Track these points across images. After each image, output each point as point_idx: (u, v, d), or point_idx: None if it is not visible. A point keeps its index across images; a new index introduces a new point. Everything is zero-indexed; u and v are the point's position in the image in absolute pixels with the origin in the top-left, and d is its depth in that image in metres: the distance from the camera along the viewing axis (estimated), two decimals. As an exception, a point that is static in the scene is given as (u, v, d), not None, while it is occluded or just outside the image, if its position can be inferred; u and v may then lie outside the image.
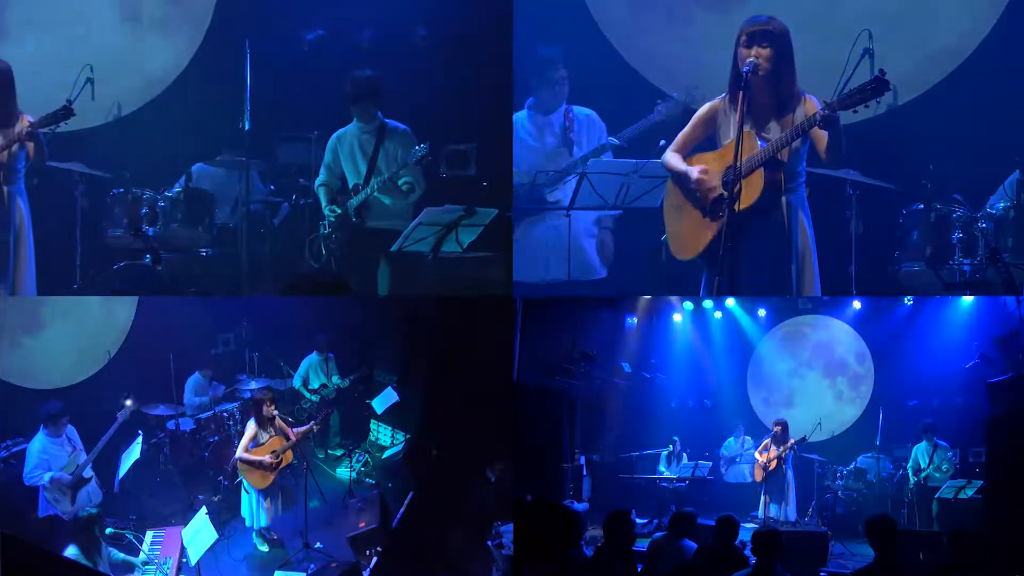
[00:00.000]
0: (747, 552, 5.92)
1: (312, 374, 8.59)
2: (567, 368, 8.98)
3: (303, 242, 7.02)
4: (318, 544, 6.79)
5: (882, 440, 9.32)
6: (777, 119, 5.29)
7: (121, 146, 7.28)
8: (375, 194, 6.76)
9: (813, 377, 10.50)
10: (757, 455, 9.16)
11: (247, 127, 6.87)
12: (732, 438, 9.94)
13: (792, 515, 9.01)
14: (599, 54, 7.71)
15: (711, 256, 5.24)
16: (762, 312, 10.51)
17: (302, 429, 7.25)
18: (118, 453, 7.22)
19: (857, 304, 9.78)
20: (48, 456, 6.71)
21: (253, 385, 8.26)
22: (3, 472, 6.93)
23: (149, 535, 6.46)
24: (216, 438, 7.79)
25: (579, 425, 9.48)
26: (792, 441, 9.00)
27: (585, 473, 9.18)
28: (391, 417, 8.24)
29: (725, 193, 5.11)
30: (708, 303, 10.14)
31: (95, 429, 7.00)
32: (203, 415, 7.93)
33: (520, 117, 7.25)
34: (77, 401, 7.14)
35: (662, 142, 6.16)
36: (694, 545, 6.06)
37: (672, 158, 5.52)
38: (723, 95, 5.41)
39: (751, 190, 5.14)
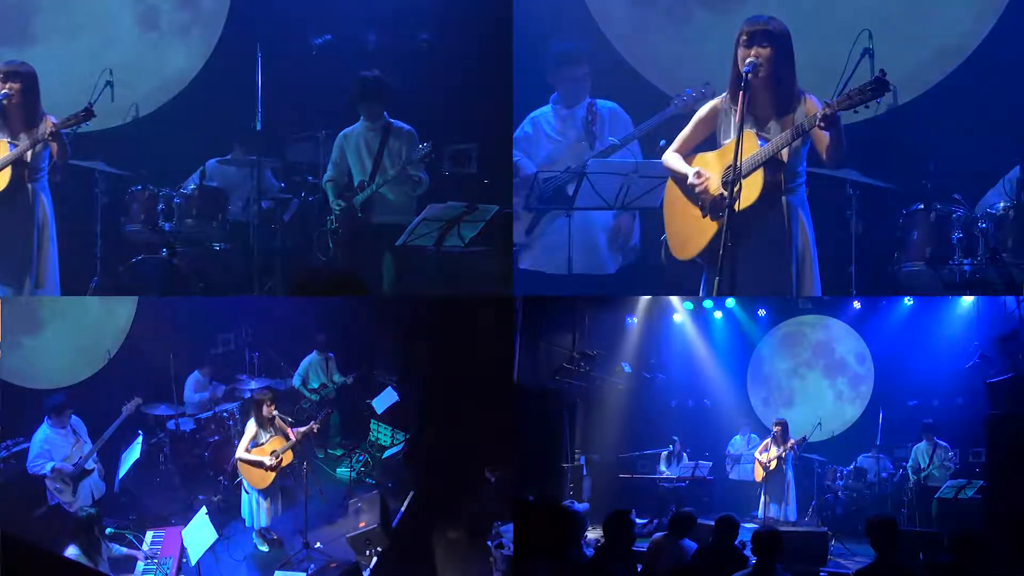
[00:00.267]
0: (747, 552, 5.92)
1: (312, 374, 8.60)
2: (567, 368, 8.99)
3: (311, 236, 7.26)
4: (318, 544, 6.79)
5: (882, 440, 9.32)
6: (777, 119, 5.28)
7: (139, 145, 7.56)
8: (380, 190, 6.98)
9: (813, 377, 10.51)
10: (757, 455, 9.17)
11: (258, 127, 7.16)
12: (739, 436, 9.94)
13: (792, 515, 9.02)
14: (598, 53, 7.71)
15: (711, 256, 5.23)
16: (762, 312, 10.52)
17: (302, 429, 7.25)
18: (118, 453, 7.23)
19: (857, 304, 9.78)
20: (51, 446, 6.76)
21: (253, 385, 8.27)
22: (3, 472, 6.93)
23: (149, 535, 6.47)
24: (216, 438, 7.80)
25: (579, 425, 9.49)
26: (792, 441, 9.01)
27: (585, 473, 9.18)
28: (391, 417, 8.24)
29: (725, 193, 5.10)
30: (708, 303, 10.15)
31: (95, 429, 7.02)
32: (203, 415, 7.94)
33: (544, 112, 7.32)
34: (77, 401, 7.14)
35: (662, 142, 6.16)
36: (694, 545, 6.06)
37: (672, 158, 5.51)
38: (723, 95, 5.41)
39: (751, 190, 5.13)
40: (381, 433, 8.30)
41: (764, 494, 8.95)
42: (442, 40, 7.58)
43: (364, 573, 6.26)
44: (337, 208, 7.14)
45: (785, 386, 10.56)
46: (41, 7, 7.77)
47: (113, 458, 7.19)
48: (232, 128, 7.55)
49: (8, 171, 6.10)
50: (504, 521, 6.19)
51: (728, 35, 5.33)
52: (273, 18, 7.61)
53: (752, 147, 5.14)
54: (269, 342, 8.82)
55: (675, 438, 9.85)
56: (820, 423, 9.47)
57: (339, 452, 8.32)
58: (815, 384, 10.47)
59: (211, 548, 6.19)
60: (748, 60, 5.13)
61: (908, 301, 9.19)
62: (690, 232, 5.41)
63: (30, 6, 7.75)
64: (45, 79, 6.34)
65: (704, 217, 5.32)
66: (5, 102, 6.11)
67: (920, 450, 8.85)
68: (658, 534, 6.50)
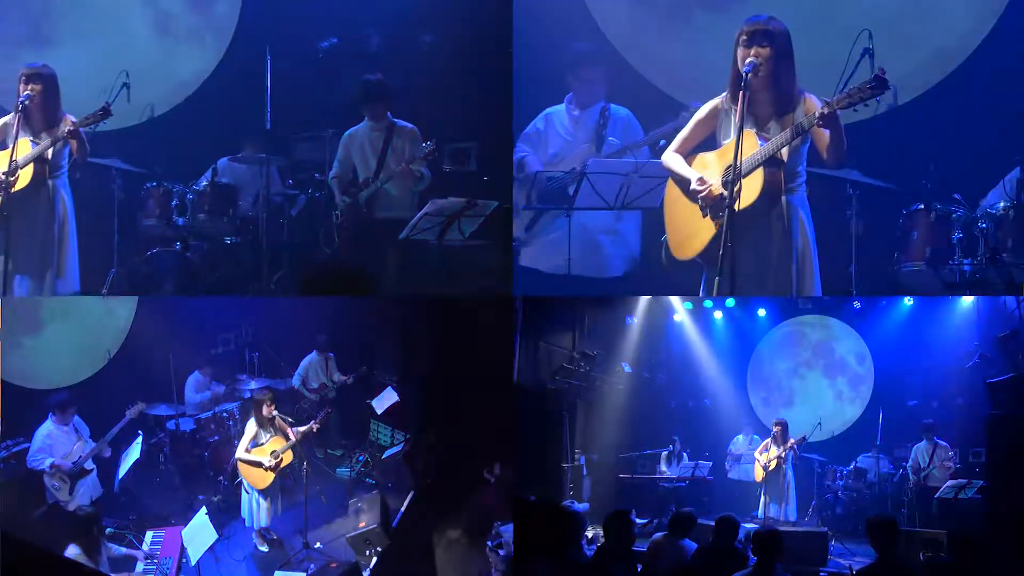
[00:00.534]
0: (747, 552, 5.92)
1: (312, 374, 8.59)
2: (567, 368, 8.99)
3: (318, 230, 7.53)
4: (318, 544, 6.79)
5: (882, 440, 9.32)
6: (777, 119, 5.27)
7: (154, 144, 7.84)
8: (384, 187, 7.19)
9: (813, 377, 10.51)
10: (757, 455, 9.17)
11: (267, 126, 7.53)
12: (741, 435, 9.94)
13: (792, 515, 9.02)
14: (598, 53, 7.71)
15: (711, 256, 5.23)
16: (762, 312, 10.52)
17: (302, 429, 7.25)
18: (118, 453, 7.23)
19: (857, 304, 9.78)
20: (52, 442, 6.77)
21: (253, 385, 8.27)
22: (3, 471, 6.93)
23: (149, 535, 6.47)
24: (216, 438, 7.80)
25: (579, 425, 9.48)
26: (792, 441, 9.01)
27: (585, 473, 9.18)
28: (391, 417, 8.24)
29: (725, 193, 5.10)
30: (708, 303, 10.14)
31: (95, 429, 7.02)
32: (203, 415, 7.94)
33: (558, 110, 7.35)
34: (77, 401, 7.14)
35: (662, 142, 6.16)
36: (694, 545, 6.06)
37: (672, 158, 5.51)
38: (723, 95, 5.40)
39: (751, 190, 5.12)
40: (381, 433, 8.30)
41: (764, 494, 8.95)
42: (443, 42, 7.78)
43: (364, 573, 6.26)
44: (342, 204, 7.36)
45: (785, 386, 10.56)
46: (61, 13, 8.07)
47: (113, 458, 7.19)
48: (242, 128, 7.85)
49: (31, 168, 6.31)
50: (504, 521, 6.19)
51: (728, 35, 5.33)
52: (281, 23, 7.89)
53: (752, 147, 5.13)
54: (269, 342, 8.82)
55: (675, 438, 9.85)
56: (820, 423, 9.47)
57: (339, 452, 8.32)
58: (815, 384, 10.47)
59: (211, 548, 6.19)
60: (748, 60, 5.13)
61: (908, 301, 9.19)
62: (690, 232, 5.40)
63: (51, 11, 8.06)
64: (65, 80, 6.56)
65: (704, 217, 5.31)
66: (27, 102, 6.31)
67: (920, 450, 8.85)
68: (658, 534, 6.50)
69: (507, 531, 6.11)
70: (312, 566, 6.53)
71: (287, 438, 7.07)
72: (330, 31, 7.99)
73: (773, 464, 8.95)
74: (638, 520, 8.11)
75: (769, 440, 9.17)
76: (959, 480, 8.20)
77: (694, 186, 5.31)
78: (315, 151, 7.88)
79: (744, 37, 5.20)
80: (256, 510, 6.93)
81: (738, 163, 5.00)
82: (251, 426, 7.07)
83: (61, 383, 7.57)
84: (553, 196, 6.96)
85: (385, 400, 8.25)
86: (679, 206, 5.48)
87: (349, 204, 7.32)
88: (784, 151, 5.17)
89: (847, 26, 5.95)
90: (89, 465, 6.79)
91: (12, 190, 6.22)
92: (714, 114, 5.43)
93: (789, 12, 5.75)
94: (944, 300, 8.68)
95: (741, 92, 5.08)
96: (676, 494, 9.22)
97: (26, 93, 6.33)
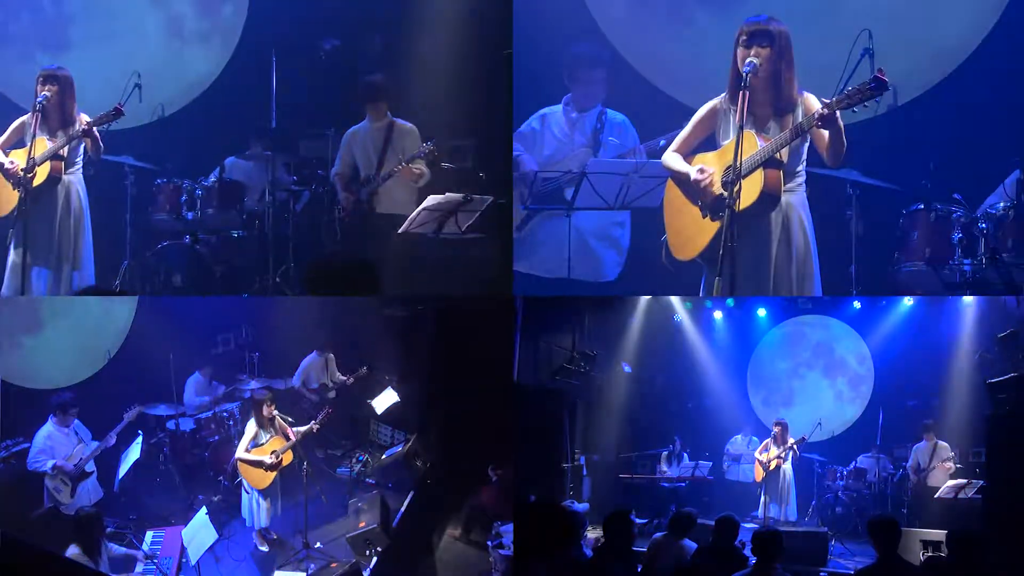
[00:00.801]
0: (747, 552, 5.92)
1: (312, 374, 8.59)
2: (567, 368, 8.98)
3: (321, 225, 7.83)
4: (318, 544, 6.79)
5: (882, 440, 9.32)
6: (777, 119, 5.28)
7: (164, 142, 8.17)
8: (384, 183, 7.42)
9: (813, 377, 10.50)
10: (757, 455, 9.17)
11: (272, 125, 7.91)
12: (740, 435, 9.94)
13: (792, 515, 9.02)
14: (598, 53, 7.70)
15: (711, 256, 5.23)
16: (762, 312, 10.51)
17: (302, 429, 7.25)
18: (118, 453, 7.22)
19: (857, 304, 9.78)
20: (53, 443, 6.76)
21: (253, 385, 8.26)
22: (3, 471, 6.93)
23: (149, 535, 6.47)
24: (216, 438, 7.80)
25: (579, 425, 9.48)
26: (792, 441, 9.01)
27: (585, 473, 9.18)
28: (391, 417, 8.24)
29: (725, 193, 5.10)
30: (708, 303, 10.14)
31: (95, 429, 7.01)
32: (203, 415, 7.93)
33: (555, 111, 7.36)
34: (77, 401, 7.13)
35: (662, 142, 6.16)
36: (694, 545, 6.06)
37: (672, 158, 5.51)
38: (723, 95, 5.40)
39: (751, 190, 5.12)
40: (381, 433, 8.29)
41: (764, 494, 8.95)
42: (442, 43, 7.90)
43: (364, 573, 6.26)
44: (345, 199, 7.60)
45: (785, 386, 10.55)
46: (76, 17, 8.40)
47: (112, 461, 7.18)
48: (249, 126, 8.14)
49: (47, 165, 6.61)
50: (504, 521, 6.19)
51: (728, 35, 5.33)
52: (286, 26, 8.19)
53: (752, 147, 5.13)
54: (269, 342, 8.81)
55: (675, 438, 9.85)
56: (820, 423, 9.46)
57: (339, 452, 8.32)
58: (815, 384, 10.46)
59: (211, 548, 6.19)
60: (748, 60, 5.13)
61: (908, 301, 9.19)
62: (690, 232, 5.40)
63: (67, 16, 8.40)
64: (80, 81, 6.86)
65: (704, 217, 5.32)
66: (44, 103, 6.62)
67: (920, 450, 8.85)
68: (658, 534, 6.50)
69: (507, 531, 6.12)
70: (312, 566, 6.54)
71: (287, 438, 7.07)
72: (333, 33, 8.30)
73: (773, 464, 8.95)
74: (638, 520, 8.10)
75: (769, 440, 9.17)
76: (959, 480, 8.20)
77: (695, 176, 5.31)
78: (318, 149, 8.14)
79: (744, 37, 5.21)
80: (256, 510, 6.93)
81: (738, 163, 5.01)
82: (251, 426, 7.07)
83: (61, 383, 7.57)
84: (549, 197, 6.99)
85: (385, 400, 8.25)
86: (679, 206, 5.48)
87: (351, 200, 7.56)
88: (784, 151, 5.17)
89: (847, 26, 5.95)
90: (90, 467, 6.78)
91: (31, 186, 6.49)
92: (714, 114, 5.44)
93: (789, 12, 5.76)
94: (944, 300, 8.67)
95: (741, 92, 5.08)
96: (676, 494, 9.22)
97: (43, 94, 6.63)
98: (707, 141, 5.48)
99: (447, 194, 6.79)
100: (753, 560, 5.49)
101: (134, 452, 7.21)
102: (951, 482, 8.24)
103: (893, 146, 7.05)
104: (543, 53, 7.41)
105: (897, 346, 9.73)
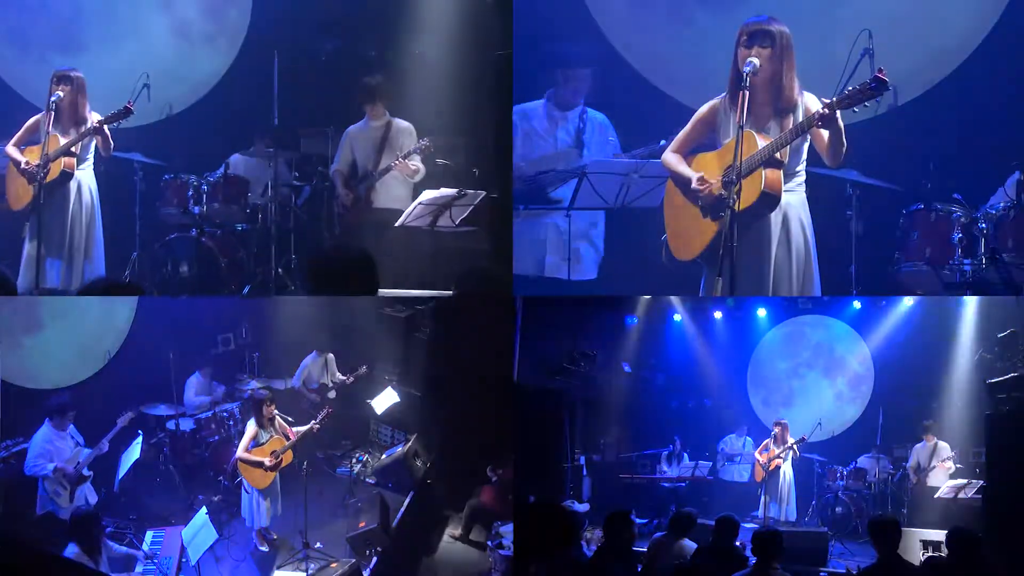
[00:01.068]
0: (747, 552, 5.92)
1: (312, 374, 8.58)
2: (567, 368, 8.98)
3: (321, 218, 8.28)
4: (318, 544, 6.78)
5: (882, 440, 9.32)
6: (777, 119, 5.28)
7: (172, 139, 8.56)
8: (382, 179, 7.80)
9: (813, 377, 10.50)
10: (757, 455, 9.16)
11: (275, 123, 8.24)
12: (733, 435, 9.93)
13: (792, 515, 9.01)
14: (598, 53, 7.71)
15: (711, 256, 5.24)
16: (762, 312, 10.51)
17: (302, 429, 7.24)
18: (118, 453, 7.21)
19: (857, 304, 9.77)
20: (52, 447, 6.73)
21: (253, 385, 8.26)
22: (2, 472, 6.91)
23: (149, 535, 6.46)
24: (216, 438, 7.79)
25: (579, 425, 9.48)
26: (792, 441, 9.00)
27: (585, 473, 9.17)
28: (391, 417, 8.23)
29: (725, 193, 5.10)
30: (708, 303, 10.13)
31: (95, 429, 7.00)
32: (203, 415, 7.92)
33: (535, 106, 7.33)
34: (77, 401, 7.12)
35: (662, 142, 6.16)
36: (694, 545, 6.06)
37: (672, 158, 5.51)
38: (723, 95, 5.40)
39: (751, 190, 5.12)
40: (381, 433, 8.29)
41: (764, 494, 8.95)
42: (439, 45, 8.22)
43: (364, 573, 6.25)
44: (344, 194, 7.95)
45: (785, 386, 10.55)
46: (89, 20, 8.81)
47: (109, 462, 7.16)
48: (252, 124, 8.55)
49: (60, 161, 6.99)
50: (504, 521, 6.19)
51: (728, 35, 5.33)
52: (288, 29, 8.55)
53: (752, 147, 5.13)
54: (269, 342, 8.81)
55: (675, 438, 9.84)
56: (820, 423, 9.46)
57: (339, 452, 8.31)
58: (815, 384, 10.45)
59: (211, 548, 6.17)
60: (748, 60, 5.13)
61: (908, 301, 9.19)
62: (690, 232, 5.40)
63: (80, 19, 8.81)
64: (91, 82, 7.25)
65: (704, 217, 5.32)
66: (58, 102, 6.98)
67: (920, 450, 8.85)
68: (658, 534, 6.50)
69: (507, 531, 6.11)
70: (312, 566, 6.52)
71: (287, 438, 7.06)
72: (333, 35, 8.71)
73: (773, 464, 8.95)
74: (638, 520, 8.10)
75: (769, 440, 9.16)
76: (959, 480, 8.20)
77: (694, 185, 5.31)
78: (319, 146, 8.47)
79: (744, 37, 5.21)
80: (256, 510, 6.92)
81: (738, 163, 5.00)
82: (251, 426, 7.06)
83: (61, 383, 7.56)
84: (533, 195, 7.04)
85: (385, 400, 8.25)
86: (679, 206, 5.48)
87: (350, 195, 7.92)
88: (784, 151, 5.17)
89: (847, 26, 5.96)
90: (86, 471, 6.76)
91: (45, 182, 6.87)
92: (714, 114, 5.44)
93: (789, 12, 5.77)
94: (944, 300, 8.67)
95: (741, 92, 5.08)
96: (676, 494, 9.22)
97: (57, 93, 7.00)
98: (707, 141, 5.48)
99: (442, 189, 7.15)
100: (753, 560, 5.49)
101: (134, 452, 7.20)
102: (951, 482, 8.24)
103: (893, 146, 7.05)
104: (543, 53, 7.41)
105: (897, 346, 9.72)
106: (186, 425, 7.78)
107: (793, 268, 5.32)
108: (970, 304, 8.72)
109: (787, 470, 9.05)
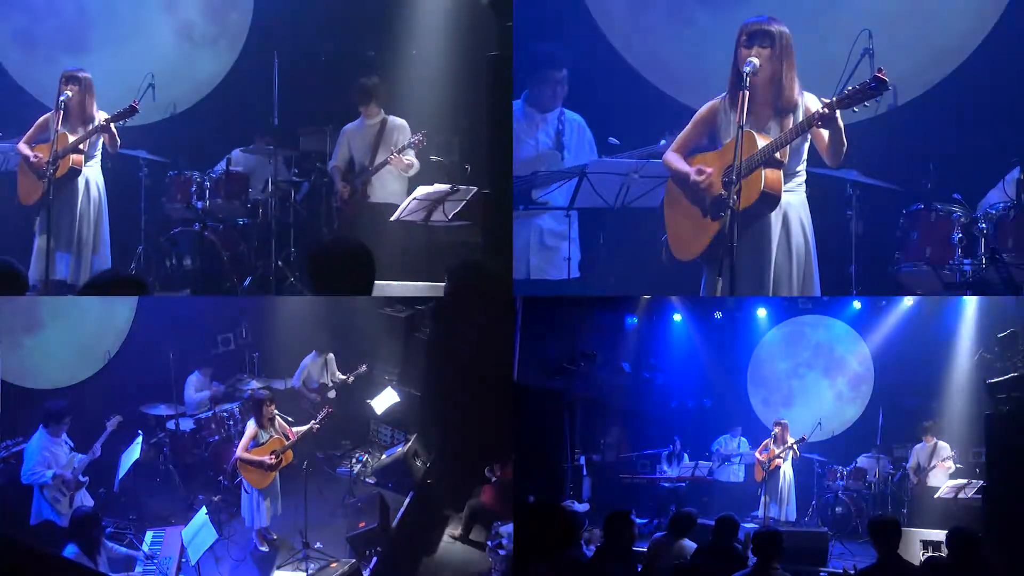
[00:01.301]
0: (747, 552, 5.92)
1: (312, 374, 8.58)
2: (567, 368, 8.98)
3: (320, 213, 8.55)
4: (318, 544, 6.78)
5: (882, 440, 9.32)
6: (777, 119, 5.27)
7: (176, 137, 8.86)
8: (377, 174, 8.07)
9: (813, 377, 10.50)
10: (757, 455, 9.16)
11: (275, 121, 8.50)
12: (727, 435, 9.93)
13: (792, 515, 9.01)
14: (598, 53, 7.71)
15: (711, 256, 5.23)
16: (762, 312, 10.51)
17: (302, 429, 7.24)
18: (117, 453, 7.21)
19: (857, 304, 9.77)
20: (49, 454, 6.71)
21: (253, 385, 8.26)
22: (2, 472, 6.90)
23: (149, 535, 6.45)
24: (216, 438, 7.79)
25: (579, 425, 9.48)
26: (792, 441, 9.00)
27: (585, 473, 9.17)
28: (391, 417, 8.23)
29: (725, 193, 5.10)
30: (708, 303, 10.13)
31: (95, 430, 6.98)
32: (203, 415, 7.92)
33: (514, 107, 7.31)
34: (77, 401, 7.11)
35: (662, 142, 6.16)
36: (694, 545, 6.06)
37: (672, 158, 5.51)
38: (722, 95, 5.40)
39: (751, 190, 5.12)
40: (381, 433, 8.29)
41: (764, 494, 8.95)
42: (434, 46, 8.50)
43: (364, 573, 6.25)
44: (341, 190, 8.24)
45: (785, 386, 10.55)
46: (96, 22, 9.13)
47: (106, 463, 7.15)
48: (253, 123, 8.81)
49: (69, 158, 7.26)
50: (504, 521, 6.19)
51: (728, 35, 5.33)
52: (288, 31, 8.86)
53: (752, 147, 5.13)
54: (269, 342, 8.81)
55: (675, 438, 9.84)
56: (820, 423, 9.46)
57: (339, 452, 8.31)
58: (815, 384, 10.46)
59: (211, 548, 6.17)
60: (748, 60, 5.13)
61: (908, 301, 9.19)
62: (691, 232, 5.40)
63: (87, 21, 9.13)
64: (98, 82, 7.51)
65: (704, 217, 5.32)
66: (67, 101, 7.26)
67: (920, 450, 8.85)
68: (658, 534, 6.50)
69: (507, 531, 6.11)
70: (312, 566, 6.52)
71: (287, 438, 7.06)
72: (330, 38, 8.96)
73: (774, 464, 8.95)
74: (638, 520, 8.10)
75: (769, 440, 9.16)
76: (959, 480, 8.20)
77: (694, 178, 5.30)
78: (317, 143, 8.69)
79: (744, 37, 5.20)
80: (256, 510, 6.92)
81: (738, 163, 5.00)
82: (251, 426, 7.05)
83: (61, 383, 7.56)
84: (519, 198, 7.07)
85: (385, 400, 8.25)
86: (679, 206, 5.48)
87: (347, 190, 8.19)
88: (784, 151, 5.17)
89: (847, 26, 5.96)
90: (82, 477, 6.74)
91: (54, 178, 7.13)
92: (714, 114, 5.43)
93: (789, 12, 5.77)
94: (944, 300, 8.68)
95: (741, 92, 5.07)
96: (676, 494, 9.22)
97: (65, 93, 7.27)
98: (707, 141, 5.47)
99: (435, 185, 7.45)
100: (753, 560, 5.48)
101: (134, 452, 7.19)
102: (951, 482, 8.24)
103: (893, 146, 7.05)
104: (543, 53, 7.41)
105: (897, 346, 9.73)
106: (186, 425, 7.78)
107: (793, 268, 5.32)
108: (970, 304, 8.72)
109: (787, 470, 9.05)
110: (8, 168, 7.95)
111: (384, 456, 7.98)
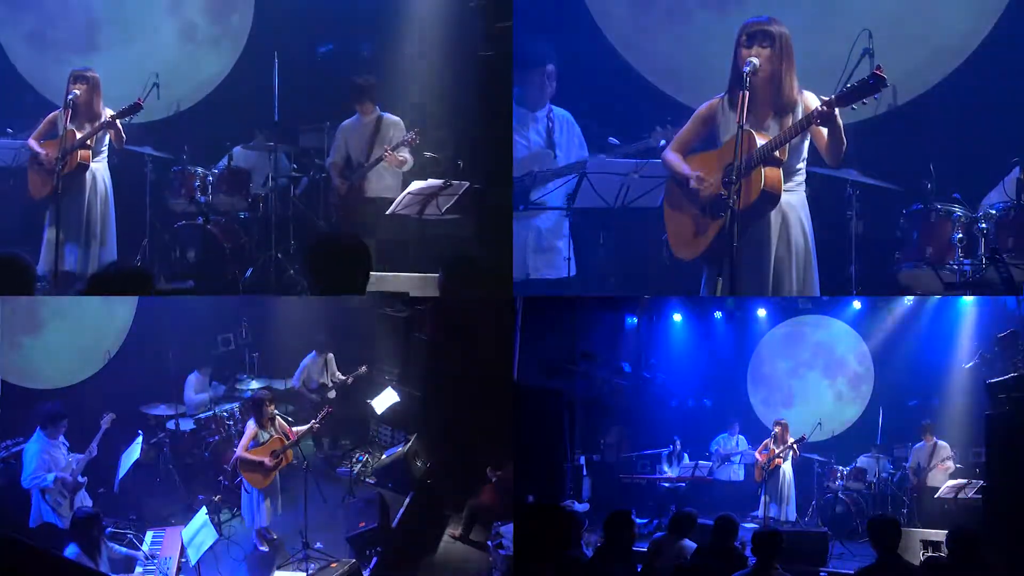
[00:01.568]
0: (747, 552, 5.92)
1: (312, 374, 8.58)
2: (567, 368, 8.98)
3: (318, 207, 8.76)
4: (318, 544, 6.78)
5: (882, 440, 9.32)
6: (777, 118, 5.27)
7: (180, 134, 9.06)
8: (373, 170, 8.28)
9: (813, 377, 10.50)
10: (757, 455, 9.16)
11: (275, 119, 8.56)
12: (725, 434, 9.93)
13: (792, 515, 9.00)
14: (598, 53, 7.71)
15: (711, 256, 5.23)
16: (762, 312, 10.51)
17: (302, 429, 7.24)
18: (117, 454, 7.20)
19: (857, 304, 9.77)
20: (49, 457, 6.69)
21: (253, 385, 8.27)
22: (2, 473, 6.90)
23: (149, 535, 6.44)
24: (216, 438, 7.78)
25: (579, 425, 9.48)
26: (792, 441, 9.00)
27: (585, 473, 9.17)
28: (391, 417, 8.23)
29: (725, 192, 5.10)
30: (708, 303, 10.13)
31: (95, 430, 6.97)
32: (203, 415, 7.92)
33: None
34: (76, 402, 7.11)
35: (662, 142, 6.16)
36: (694, 545, 6.05)
37: (672, 158, 5.51)
38: (722, 94, 5.40)
39: (751, 189, 5.12)
40: (381, 433, 8.28)
41: (764, 494, 8.94)
42: (430, 45, 8.72)
43: (364, 573, 6.25)
44: (339, 185, 8.43)
45: (785, 386, 10.55)
46: (102, 23, 9.38)
47: (105, 463, 7.14)
48: (254, 120, 8.96)
49: (77, 154, 7.51)
50: (504, 521, 6.18)
51: (728, 35, 5.33)
52: (287, 32, 9.03)
53: (752, 146, 5.13)
54: (269, 342, 8.82)
55: (675, 438, 9.84)
56: (820, 423, 9.46)
57: (339, 452, 8.31)
58: (815, 384, 10.46)
59: (211, 548, 6.17)
60: (748, 59, 5.13)
61: (908, 301, 9.18)
62: (691, 232, 5.40)
63: (95, 22, 9.37)
64: (105, 80, 7.77)
65: (704, 217, 5.32)
66: (74, 99, 7.49)
67: (920, 450, 8.85)
68: (658, 534, 6.50)
69: (507, 531, 6.11)
70: (312, 566, 6.52)
71: (287, 438, 7.06)
72: (328, 38, 9.29)
73: (774, 464, 8.94)
74: (638, 520, 8.10)
75: (769, 440, 9.16)
76: (959, 480, 8.20)
77: (692, 185, 5.31)
78: (316, 140, 8.93)
79: (744, 37, 5.21)
80: (256, 510, 6.92)
81: (738, 163, 5.00)
82: (251, 426, 7.05)
83: (61, 383, 7.55)
84: (516, 198, 7.08)
85: (385, 400, 8.25)
86: (679, 206, 5.48)
87: (344, 185, 8.38)
88: (783, 150, 5.17)
89: (847, 26, 5.95)
90: (81, 478, 6.73)
91: (62, 173, 7.34)
92: (713, 113, 5.43)
93: (789, 12, 5.78)
94: (944, 300, 8.68)
95: (741, 92, 5.08)
96: (676, 494, 9.21)
97: (74, 91, 7.51)
98: (707, 140, 5.48)
99: (429, 180, 7.64)
100: (753, 560, 5.48)
101: (134, 452, 7.18)
102: (951, 482, 8.24)
103: (893, 146, 7.05)
104: (529, 50, 7.40)
105: (897, 346, 9.73)
106: (186, 425, 7.78)
107: (793, 268, 5.32)
108: (970, 304, 8.72)
109: (787, 470, 9.04)
110: (19, 164, 8.17)
111: (384, 456, 7.98)
